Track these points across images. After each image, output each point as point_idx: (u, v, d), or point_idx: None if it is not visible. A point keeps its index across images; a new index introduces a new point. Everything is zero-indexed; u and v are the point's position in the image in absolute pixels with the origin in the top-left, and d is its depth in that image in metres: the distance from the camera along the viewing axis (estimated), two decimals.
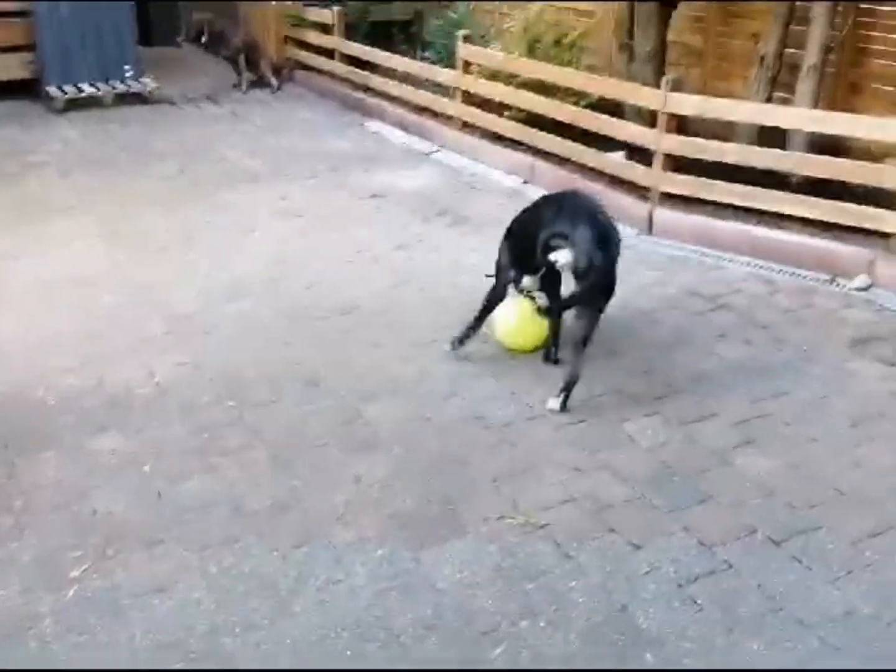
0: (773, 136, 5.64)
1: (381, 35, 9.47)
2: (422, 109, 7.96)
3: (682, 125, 5.67)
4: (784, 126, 5.48)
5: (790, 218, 5.17)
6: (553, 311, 3.85)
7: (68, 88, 8.74)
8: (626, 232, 5.54)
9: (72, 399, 3.71)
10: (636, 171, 5.81)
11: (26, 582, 2.72)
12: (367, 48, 8.66)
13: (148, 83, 9.11)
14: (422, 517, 3.01)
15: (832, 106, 5.92)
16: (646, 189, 5.72)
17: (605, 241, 3.47)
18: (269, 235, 5.60)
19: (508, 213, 4.11)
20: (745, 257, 5.17)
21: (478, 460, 3.32)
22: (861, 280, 4.79)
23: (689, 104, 5.50)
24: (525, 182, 6.56)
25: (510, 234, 3.96)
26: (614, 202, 5.77)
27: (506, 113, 7.02)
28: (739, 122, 5.78)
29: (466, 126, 7.39)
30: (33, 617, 2.59)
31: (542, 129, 6.57)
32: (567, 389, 3.61)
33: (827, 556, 2.83)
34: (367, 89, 8.71)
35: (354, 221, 5.84)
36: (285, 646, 2.50)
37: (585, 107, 6.43)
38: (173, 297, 4.69)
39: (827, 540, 2.90)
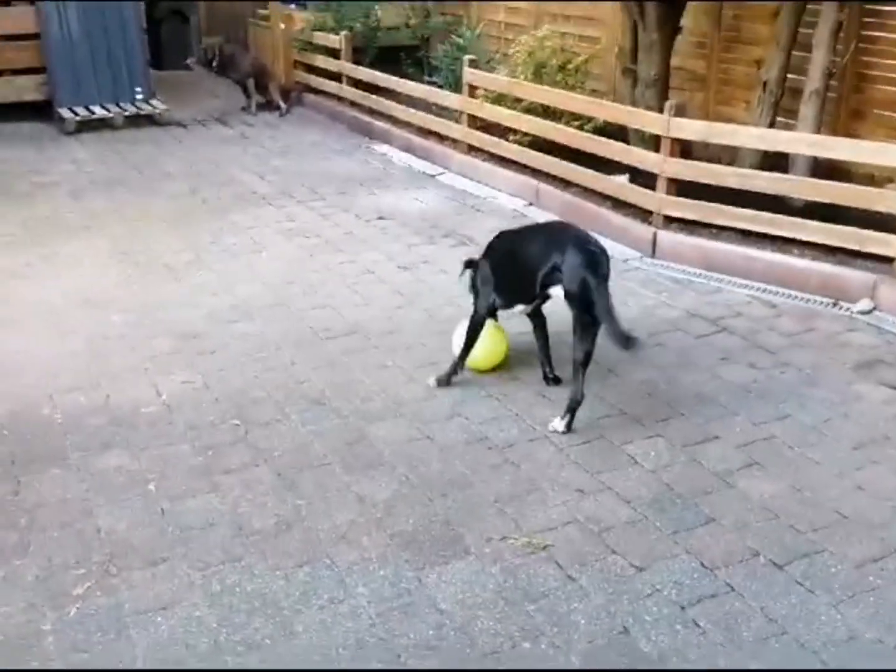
0: (776, 161, 5.69)
1: (389, 59, 9.61)
2: (428, 133, 8.06)
3: (685, 150, 5.73)
4: (786, 150, 5.54)
5: (793, 241, 5.20)
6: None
7: (79, 110, 8.87)
8: (629, 255, 5.66)
9: (79, 417, 3.74)
10: (640, 195, 5.86)
11: (30, 599, 2.73)
12: (375, 73, 8.77)
13: (158, 105, 9.23)
14: (424, 538, 3.02)
15: (835, 131, 5.98)
16: (649, 212, 5.77)
17: (595, 264, 3.50)
18: (276, 256, 5.65)
19: None
20: (749, 280, 5.19)
21: (481, 481, 3.33)
22: (864, 304, 4.80)
23: (692, 129, 5.55)
24: (530, 204, 6.63)
25: (490, 256, 3.95)
26: (618, 225, 5.86)
27: (511, 137, 7.10)
28: (742, 147, 5.83)
29: (472, 149, 7.47)
30: (36, 634, 2.60)
31: (546, 152, 6.64)
32: (571, 410, 3.63)
33: (830, 579, 2.83)
34: (374, 113, 8.82)
35: (361, 243, 5.89)
36: (287, 665, 2.50)
37: (590, 131, 6.51)
38: (181, 316, 4.74)
39: (830, 563, 2.90)
